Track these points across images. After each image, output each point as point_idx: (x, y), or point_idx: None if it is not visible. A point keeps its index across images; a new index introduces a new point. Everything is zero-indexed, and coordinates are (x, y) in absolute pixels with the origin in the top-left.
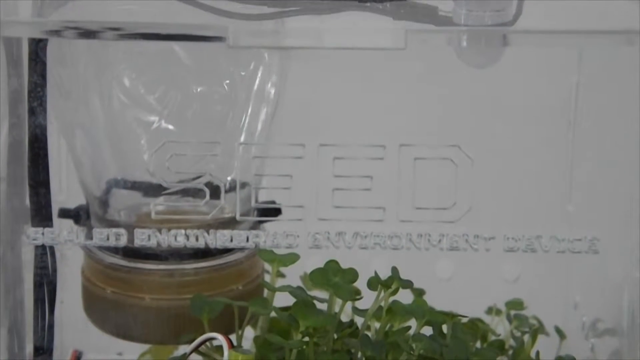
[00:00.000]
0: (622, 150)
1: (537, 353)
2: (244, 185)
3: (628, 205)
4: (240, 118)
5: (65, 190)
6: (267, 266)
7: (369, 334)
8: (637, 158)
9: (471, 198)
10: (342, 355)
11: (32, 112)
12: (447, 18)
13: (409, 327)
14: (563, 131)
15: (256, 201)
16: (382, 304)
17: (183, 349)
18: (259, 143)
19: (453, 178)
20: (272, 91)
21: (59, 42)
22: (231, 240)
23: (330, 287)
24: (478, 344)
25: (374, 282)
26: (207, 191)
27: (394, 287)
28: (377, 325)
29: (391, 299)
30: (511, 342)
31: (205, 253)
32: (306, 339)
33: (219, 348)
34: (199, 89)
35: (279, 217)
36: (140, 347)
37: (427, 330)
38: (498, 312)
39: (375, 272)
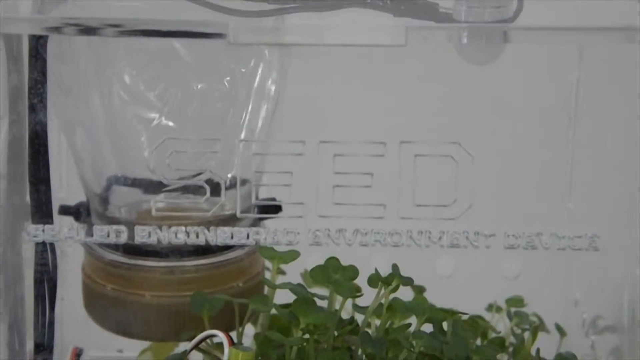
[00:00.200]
0: (623, 148)
1: (538, 350)
2: (244, 182)
3: (628, 202)
4: (241, 115)
5: (66, 187)
6: (268, 263)
7: (370, 331)
8: (637, 155)
9: (472, 195)
10: (342, 353)
11: (32, 109)
12: (448, 15)
13: (410, 325)
14: (563, 128)
15: (256, 198)
16: (383, 301)
17: (183, 346)
18: (259, 140)
19: (453, 175)
20: (273, 88)
21: (59, 39)
22: (231, 238)
23: (331, 284)
24: (478, 341)
25: (375, 279)
26: (208, 188)
27: (394, 284)
28: (377, 322)
29: (391, 296)
30: (511, 339)
31: (205, 250)
32: (306, 336)
33: (220, 345)
34: (199, 86)
35: (280, 214)
36: (140, 344)
37: (428, 328)
38: (498, 309)
39: (376, 269)
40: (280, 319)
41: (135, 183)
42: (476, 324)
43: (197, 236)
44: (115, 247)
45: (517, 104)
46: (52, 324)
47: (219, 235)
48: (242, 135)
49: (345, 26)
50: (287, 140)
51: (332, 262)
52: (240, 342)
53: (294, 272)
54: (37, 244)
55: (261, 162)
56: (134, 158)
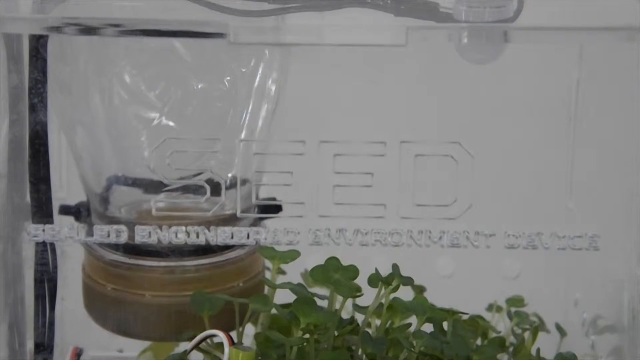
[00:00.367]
0: (623, 147)
1: (538, 350)
2: (244, 182)
3: (629, 202)
4: (241, 115)
5: (66, 187)
6: (268, 263)
7: (370, 331)
8: (637, 155)
9: (472, 195)
10: (342, 352)
11: (32, 108)
12: (448, 15)
13: (410, 324)
14: (564, 128)
15: (257, 198)
16: (383, 301)
17: (183, 346)
18: (259, 140)
19: (454, 175)
20: (273, 88)
21: (59, 39)
22: (232, 237)
23: (331, 284)
24: (479, 341)
25: (375, 279)
26: (208, 188)
27: (394, 284)
28: (377, 322)
29: (392, 296)
30: (512, 339)
31: (205, 250)
32: (307, 336)
33: (220, 345)
34: (199, 86)
35: (280, 214)
36: (140, 344)
37: (428, 327)
38: (499, 309)
39: (376, 269)
40: (281, 319)
41: (135, 183)
42: (476, 324)
43: (198, 236)
44: (115, 247)
45: (518, 103)
46: (52, 323)
47: (219, 235)
48: (243, 135)
49: (345, 26)
50: (287, 140)
51: (333, 262)
52: (240, 342)
53: (294, 272)
54: (37, 243)
55: (261, 162)
56: (134, 158)
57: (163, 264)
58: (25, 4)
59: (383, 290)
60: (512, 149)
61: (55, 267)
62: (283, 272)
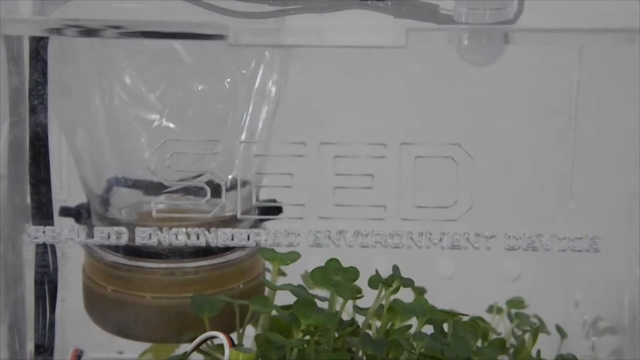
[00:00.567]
0: (623, 148)
1: (538, 352)
2: (244, 183)
3: (629, 203)
4: (241, 116)
5: (66, 189)
6: (268, 265)
7: (370, 332)
8: (637, 156)
9: (472, 196)
10: (343, 354)
11: (33, 110)
12: (448, 16)
13: (410, 326)
14: (564, 129)
15: (257, 199)
16: (383, 302)
17: (184, 347)
18: (259, 141)
19: (454, 176)
20: (273, 89)
21: (59, 40)
22: (232, 239)
23: (331, 285)
24: (479, 343)
25: (375, 281)
26: (208, 189)
27: (394, 285)
28: (378, 323)
29: (392, 297)
30: (512, 340)
31: (206, 251)
32: (307, 337)
33: (220, 347)
34: (199, 87)
35: (280, 216)
36: (141, 346)
37: (428, 329)
38: (499, 310)
39: (376, 271)
40: (281, 321)
41: (135, 184)
42: (477, 326)
43: (198, 237)
44: (115, 249)
45: (518, 105)
46: (52, 325)
47: (220, 237)
48: (243, 137)
49: (345, 27)
50: (287, 141)
51: (333, 263)
52: (240, 344)
53: (294, 274)
54: (37, 245)
55: (262, 164)
56: (134, 159)
57: (163, 265)
58: (25, 5)
59: (383, 292)
60: (513, 150)
61: (55, 268)
62: (283, 274)
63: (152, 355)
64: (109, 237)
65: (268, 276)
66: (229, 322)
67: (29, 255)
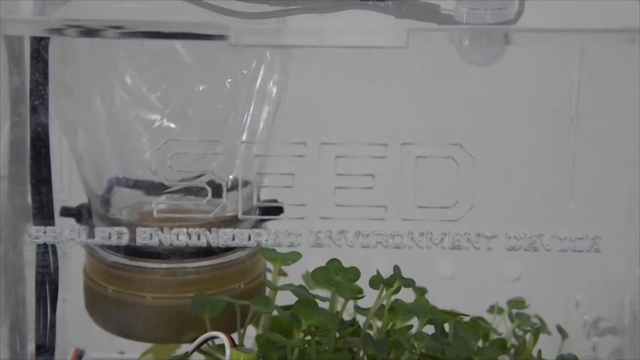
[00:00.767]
0: (624, 149)
1: (539, 352)
2: (245, 183)
3: (629, 203)
4: (242, 117)
5: (67, 189)
6: (269, 265)
7: (371, 332)
8: (638, 156)
9: (473, 196)
10: (344, 354)
11: (33, 110)
12: (449, 16)
13: (411, 326)
14: (564, 129)
15: (258, 200)
16: (384, 302)
17: (185, 347)
18: (260, 141)
19: (455, 176)
20: (274, 90)
21: (60, 41)
22: (233, 239)
23: (332, 285)
24: (480, 343)
25: (376, 281)
26: (209, 190)
27: (395, 285)
28: (379, 324)
29: (393, 297)
30: (513, 340)
31: (207, 252)
32: (308, 337)
33: (221, 347)
34: (200, 88)
35: (281, 216)
36: (141, 346)
37: (429, 329)
38: (500, 310)
39: (377, 271)
40: (282, 321)
41: (136, 185)
42: (478, 326)
43: (199, 238)
44: (116, 249)
45: (519, 105)
46: (53, 325)
47: (221, 237)
48: (244, 137)
49: (346, 28)
50: (288, 141)
51: (334, 263)
52: (241, 344)
53: (295, 274)
54: (38, 245)
55: (263, 164)
56: (135, 159)
57: (164, 265)
58: (26, 5)
59: (384, 292)
60: (513, 150)
61: (56, 268)
62: (284, 274)
63: (153, 355)
64: (109, 238)
65: (269, 276)
66: (230, 323)
67: (29, 256)
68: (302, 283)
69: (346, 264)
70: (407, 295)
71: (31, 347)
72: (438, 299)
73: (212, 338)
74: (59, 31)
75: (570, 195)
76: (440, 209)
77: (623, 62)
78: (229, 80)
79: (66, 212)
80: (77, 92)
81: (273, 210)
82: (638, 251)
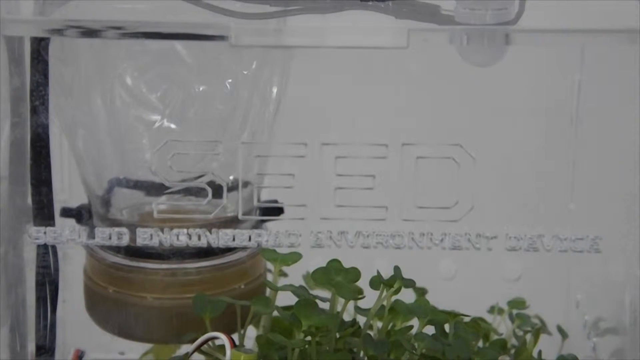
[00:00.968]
0: (624, 149)
1: (539, 352)
2: (246, 184)
3: (630, 203)
4: (243, 117)
5: (68, 189)
6: (270, 265)
7: (372, 333)
8: (638, 156)
9: (473, 197)
10: (344, 355)
11: (34, 111)
12: (449, 17)
13: (411, 327)
14: (565, 130)
15: (258, 200)
16: (385, 303)
17: (185, 348)
18: (261, 142)
19: (455, 177)
20: (275, 90)
21: (61, 41)
22: (233, 240)
23: (333, 286)
24: (480, 343)
25: (376, 281)
26: (210, 190)
27: (396, 286)
28: (379, 324)
29: (393, 298)
30: (513, 341)
31: (207, 252)
32: (308, 338)
33: (221, 347)
34: (201, 88)
35: (281, 216)
36: (142, 347)
37: (430, 330)
38: (500, 311)
39: (378, 271)
40: (282, 321)
41: (137, 185)
42: (478, 326)
43: (199, 238)
44: (117, 250)
45: (519, 105)
46: (53, 326)
47: (221, 238)
48: (244, 138)
49: (347, 28)
50: (289, 142)
51: (334, 264)
52: (242, 344)
53: (295, 274)
54: (38, 246)
55: (263, 164)
56: (135, 160)
57: (164, 266)
58: (26, 6)
59: (385, 293)
60: (514, 151)
61: (56, 269)
62: (285, 275)
63: (153, 356)
64: (110, 238)
65: (269, 277)
66: (230, 323)
67: (30, 256)
68: (303, 283)
69: (346, 264)
70: (407, 296)
71: (31, 347)
72: (438, 300)
73: (213, 338)
74: (59, 32)
75: (571, 195)
76: (441, 209)
77: (623, 63)
78: (230, 80)
79: (66, 212)
80: (78, 92)
81: (273, 210)
82: (638, 251)
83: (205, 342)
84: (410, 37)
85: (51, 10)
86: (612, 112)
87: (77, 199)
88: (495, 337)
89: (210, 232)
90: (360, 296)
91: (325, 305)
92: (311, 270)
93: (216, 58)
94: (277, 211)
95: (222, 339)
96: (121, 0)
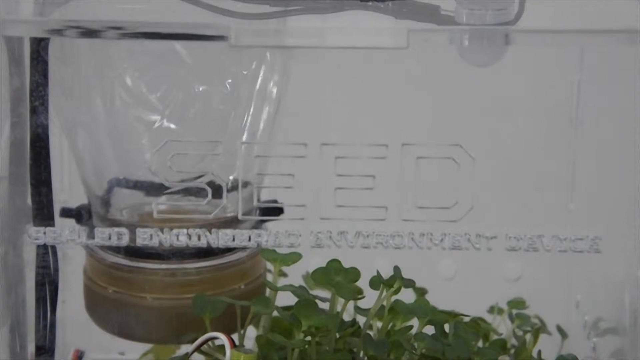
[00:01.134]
0: (624, 149)
1: (539, 352)
2: (246, 184)
3: (630, 204)
4: (243, 117)
5: (67, 190)
6: (269, 265)
7: (371, 333)
8: (638, 157)
9: (473, 197)
10: (344, 355)
11: (33, 111)
12: (449, 17)
13: (411, 327)
14: (565, 130)
15: (258, 200)
16: (384, 303)
17: (185, 348)
18: (261, 142)
19: (455, 177)
20: (274, 90)
21: (60, 41)
22: (233, 240)
23: (333, 286)
24: (480, 343)
25: (376, 282)
26: (209, 190)
27: (396, 286)
28: (379, 324)
29: (393, 298)
30: (513, 341)
31: (207, 252)
32: (308, 338)
33: (221, 347)
34: (201, 88)
35: (281, 217)
36: (142, 347)
37: (429, 330)
38: (500, 311)
39: (378, 272)
40: (282, 321)
41: (136, 185)
42: (478, 326)
43: (199, 238)
44: (116, 250)
45: (519, 106)
46: (53, 326)
47: (221, 238)
48: (244, 138)
49: (347, 29)
50: (288, 142)
51: (334, 264)
52: (242, 345)
53: (295, 275)
54: (38, 246)
55: (263, 164)
56: (135, 160)
57: (164, 266)
58: (26, 6)
59: (384, 293)
60: (513, 151)
61: (56, 269)
62: (284, 275)
63: (153, 356)
64: (110, 238)
65: (269, 277)
66: (230, 323)
67: (29, 257)
68: (303, 284)
69: (346, 264)
70: (407, 296)
71: (31, 347)
72: (438, 300)
73: (213, 339)
74: (59, 32)
75: (570, 195)
76: (441, 209)
77: (623, 63)
78: (229, 81)
79: (66, 212)
80: (77, 92)
81: (273, 210)
82: (638, 251)
83: (205, 342)
84: (410, 38)
85: (51, 10)
86: (612, 113)
87: (77, 199)
88: (495, 337)
89: (210, 232)
90: (360, 296)
91: (325, 306)
92: (311, 271)
93: (216, 58)
94: (276, 211)
95: (222, 339)
96: (121, 0)
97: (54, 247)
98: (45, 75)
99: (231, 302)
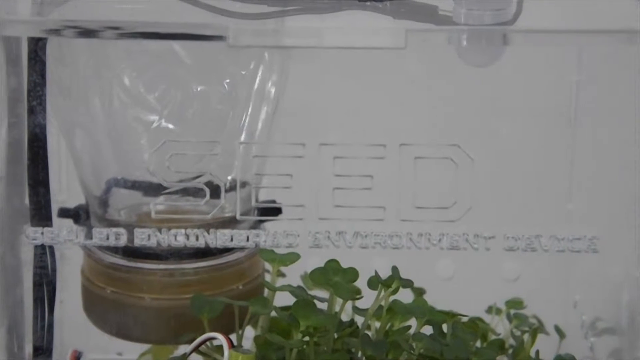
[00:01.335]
0: (622, 149)
1: (537, 352)
2: (244, 184)
3: (628, 204)
4: (241, 117)
5: (65, 190)
6: (268, 265)
7: (370, 333)
8: (636, 157)
9: (471, 197)
10: (342, 355)
11: (31, 111)
12: (447, 17)
13: (410, 327)
14: (563, 130)
15: (256, 200)
16: (383, 303)
17: (183, 348)
18: (259, 142)
19: (453, 177)
20: (273, 90)
21: (58, 41)
22: (231, 240)
23: (331, 286)
24: (478, 343)
25: (375, 282)
26: (207, 190)
27: (394, 286)
28: (377, 324)
29: (391, 298)
30: (511, 341)
31: (205, 253)
32: (306, 338)
33: (219, 348)
34: (199, 88)
35: (280, 217)
36: (140, 347)
37: (428, 330)
38: (498, 311)
39: (376, 272)
40: (280, 322)
41: (134, 185)
42: (476, 326)
43: (197, 239)
44: (114, 250)
45: (517, 106)
46: (51, 326)
47: (219, 238)
48: (242, 138)
49: (345, 29)
50: (287, 142)
51: (332, 264)
52: (240, 345)
53: (294, 275)
54: (36, 246)
55: (261, 165)
56: (133, 160)
57: (162, 266)
58: (24, 6)
59: (383, 293)
60: (512, 151)
61: (54, 270)
62: (283, 275)
63: (151, 356)
64: (107, 239)
65: (267, 277)
66: (229, 323)
67: (27, 257)
68: (301, 284)
69: (345, 264)
70: (405, 296)
71: (29, 348)
72: (436, 300)
73: (211, 339)
74: (56, 32)
75: (569, 195)
76: (439, 209)
77: (622, 63)
78: (228, 81)
79: (64, 213)
80: (75, 93)
81: (271, 211)
82: (636, 252)
83: (203, 342)
84: (408, 38)
85: (49, 10)
86: (611, 113)
87: (75, 200)
88: (493, 337)
89: (208, 233)
90: (358, 296)
91: (323, 306)
92: (309, 271)
93: (214, 58)
94: (275, 211)
95: (220, 339)
96: (119, 0)
97: (51, 248)
98: (43, 75)
99: (229, 302)
